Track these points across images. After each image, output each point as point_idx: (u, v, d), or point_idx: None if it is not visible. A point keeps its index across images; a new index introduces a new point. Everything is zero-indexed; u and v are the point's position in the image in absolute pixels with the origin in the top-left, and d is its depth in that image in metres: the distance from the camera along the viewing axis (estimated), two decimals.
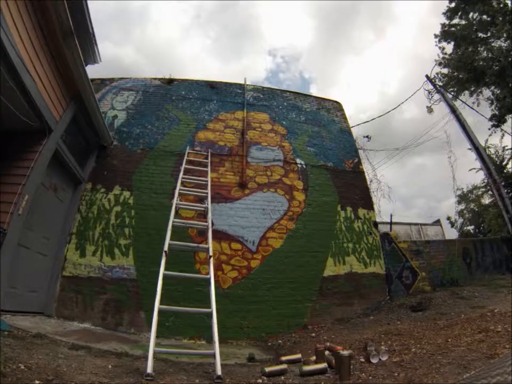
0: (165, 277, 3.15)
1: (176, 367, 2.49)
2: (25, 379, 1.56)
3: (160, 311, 2.74)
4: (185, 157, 5.21)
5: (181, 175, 4.73)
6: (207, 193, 4.62)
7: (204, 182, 4.87)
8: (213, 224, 4.18)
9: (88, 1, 4.44)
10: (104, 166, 5.17)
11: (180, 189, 4.47)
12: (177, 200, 4.20)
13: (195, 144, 5.65)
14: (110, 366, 2.19)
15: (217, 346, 2.42)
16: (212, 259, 3.38)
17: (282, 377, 2.20)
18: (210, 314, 2.79)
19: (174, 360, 2.75)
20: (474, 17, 9.24)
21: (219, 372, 2.18)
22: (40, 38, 3.23)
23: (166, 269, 4.37)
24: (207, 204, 4.39)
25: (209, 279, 3.12)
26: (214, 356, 2.36)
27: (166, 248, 3.31)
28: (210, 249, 3.53)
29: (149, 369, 2.06)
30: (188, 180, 4.87)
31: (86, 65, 4.89)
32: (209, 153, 5.53)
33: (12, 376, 1.54)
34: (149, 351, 2.23)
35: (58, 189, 4.25)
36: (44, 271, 4.02)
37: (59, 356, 2.20)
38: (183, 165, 4.99)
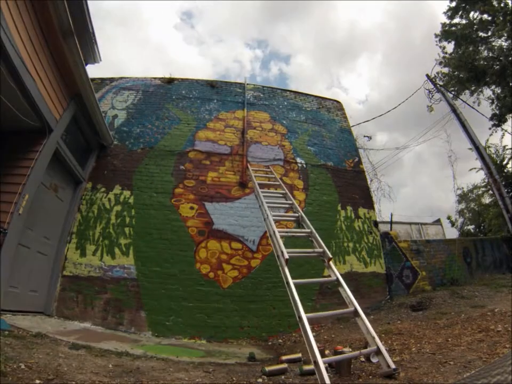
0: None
1: (177, 367, 2.49)
2: (25, 378, 1.56)
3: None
4: (254, 173, 5.03)
5: (260, 192, 4.37)
6: (292, 203, 4.38)
7: (284, 192, 4.68)
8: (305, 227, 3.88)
9: (88, 1, 4.44)
10: (104, 165, 5.17)
11: (267, 202, 4.09)
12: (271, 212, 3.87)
13: (195, 143, 5.65)
14: (110, 366, 2.19)
15: (378, 341, 2.22)
16: (331, 261, 3.27)
17: (283, 377, 2.20)
18: (355, 312, 2.64)
19: (175, 360, 2.75)
20: (475, 16, 9.23)
21: (393, 365, 2.02)
22: (40, 38, 3.23)
23: (167, 268, 4.40)
24: (300, 212, 4.10)
25: (337, 280, 3.04)
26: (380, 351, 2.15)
27: (286, 256, 3.07)
28: (328, 252, 3.33)
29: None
30: (267, 194, 4.53)
31: (86, 64, 4.89)
32: (271, 169, 5.48)
33: (12, 375, 1.55)
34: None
35: (59, 189, 4.25)
36: (44, 271, 4.03)
37: (59, 355, 2.20)
38: (255, 182, 4.66)
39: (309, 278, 4.80)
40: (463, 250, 6.55)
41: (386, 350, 2.60)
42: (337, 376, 2.11)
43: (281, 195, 4.71)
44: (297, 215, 4.15)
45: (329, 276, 3.25)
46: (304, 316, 2.37)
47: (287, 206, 4.52)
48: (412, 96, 10.23)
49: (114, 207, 4.82)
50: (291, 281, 2.81)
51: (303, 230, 3.94)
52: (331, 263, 3.21)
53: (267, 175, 5.36)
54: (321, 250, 3.40)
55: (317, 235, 3.60)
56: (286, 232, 3.96)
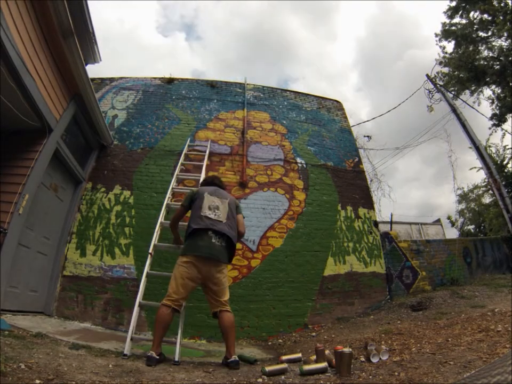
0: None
1: (177, 367, 2.49)
2: (25, 378, 1.56)
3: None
4: (184, 152, 5.24)
5: (176, 171, 4.75)
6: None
7: (197, 178, 4.73)
8: None
9: (88, 1, 4.44)
10: (104, 165, 5.17)
11: (173, 187, 4.45)
12: (168, 200, 4.16)
13: (195, 143, 5.65)
14: (110, 365, 2.19)
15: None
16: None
17: (283, 377, 2.20)
18: None
19: (175, 360, 2.75)
20: (475, 16, 9.24)
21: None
22: (40, 38, 3.23)
23: (167, 268, 4.40)
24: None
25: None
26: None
27: (150, 249, 3.43)
28: None
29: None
30: (183, 177, 4.92)
31: (86, 64, 4.90)
32: (208, 145, 5.51)
33: (12, 375, 1.54)
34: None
35: (59, 189, 4.25)
36: (44, 271, 4.03)
37: (59, 355, 2.20)
38: (180, 161, 5.02)
39: (309, 277, 4.83)
40: (463, 250, 6.55)
41: (386, 350, 2.61)
42: (337, 376, 2.10)
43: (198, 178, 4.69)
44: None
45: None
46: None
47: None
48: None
49: (114, 207, 4.82)
50: (145, 272, 3.24)
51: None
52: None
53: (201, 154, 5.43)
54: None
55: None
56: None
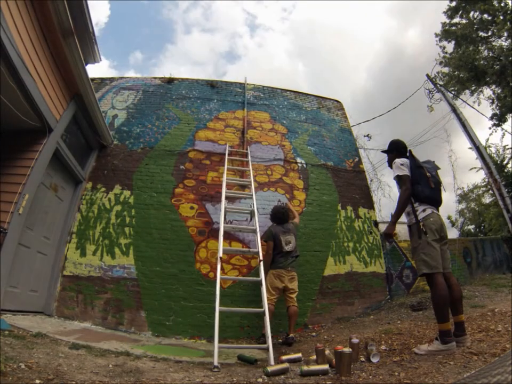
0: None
1: (177, 367, 2.49)
2: (25, 378, 1.56)
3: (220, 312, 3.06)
4: (226, 156, 5.33)
5: (224, 176, 4.86)
6: (251, 195, 4.75)
7: (247, 183, 5.02)
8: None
9: (88, 1, 4.44)
10: (104, 165, 5.17)
11: (226, 192, 4.62)
12: (225, 204, 4.47)
13: (195, 143, 5.65)
14: (110, 365, 2.19)
15: (270, 341, 2.79)
16: (262, 262, 3.70)
17: (283, 377, 2.20)
18: (263, 313, 3.15)
19: (175, 360, 2.75)
20: (475, 16, 9.24)
21: (272, 362, 2.58)
22: (40, 38, 3.23)
23: (167, 268, 4.43)
24: (253, 207, 4.53)
25: (260, 281, 3.46)
26: (267, 348, 2.76)
27: (220, 254, 3.59)
28: (260, 253, 3.82)
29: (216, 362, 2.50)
30: (230, 181, 5.05)
31: (86, 64, 4.90)
32: (248, 151, 5.62)
33: (12, 375, 1.54)
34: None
35: (59, 188, 4.25)
36: (44, 271, 4.03)
37: (59, 355, 2.20)
38: (225, 165, 5.09)
39: (309, 277, 4.83)
40: (463, 250, 6.55)
41: (386, 349, 2.61)
42: (337, 376, 2.10)
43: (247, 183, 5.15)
44: (251, 209, 4.66)
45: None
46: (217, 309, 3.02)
47: (248, 196, 4.98)
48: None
49: (114, 207, 4.82)
50: (218, 277, 3.33)
51: (249, 227, 4.59)
52: (261, 264, 3.68)
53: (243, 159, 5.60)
54: (256, 250, 3.93)
55: (258, 235, 4.10)
56: (233, 228, 4.56)
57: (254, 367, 2.60)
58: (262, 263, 3.69)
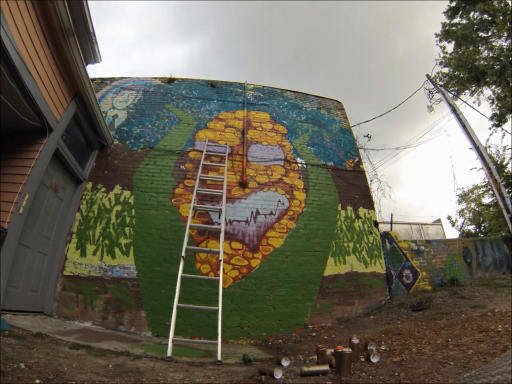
0: (182, 278, 3.56)
1: (177, 367, 2.49)
2: (25, 378, 1.56)
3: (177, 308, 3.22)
4: (204, 152, 5.35)
5: (199, 173, 4.91)
6: (222, 193, 4.76)
7: (220, 180, 5.00)
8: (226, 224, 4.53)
9: (88, 1, 4.43)
10: (104, 165, 5.17)
11: (197, 189, 4.66)
12: (194, 202, 4.47)
13: (195, 143, 5.65)
14: (110, 365, 2.19)
15: (219, 336, 3.01)
16: (221, 262, 3.72)
17: (283, 377, 2.20)
18: (217, 311, 3.27)
19: (175, 360, 2.75)
20: (475, 16, 9.24)
21: (219, 358, 2.75)
22: (41, 38, 3.23)
23: (167, 268, 4.44)
24: (222, 206, 4.54)
25: (218, 280, 3.56)
26: (217, 344, 2.91)
27: (183, 253, 3.67)
28: (221, 254, 3.81)
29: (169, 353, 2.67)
30: (205, 178, 5.08)
31: (87, 64, 4.89)
32: (227, 146, 5.63)
33: (12, 375, 1.55)
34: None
35: (59, 188, 4.25)
36: (45, 270, 4.03)
37: (59, 355, 2.20)
38: (201, 162, 5.15)
39: (309, 277, 4.83)
40: (463, 251, 6.54)
41: (386, 349, 2.60)
42: (337, 376, 2.10)
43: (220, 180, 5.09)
44: (219, 207, 4.71)
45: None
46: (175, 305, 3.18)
47: (219, 194, 4.92)
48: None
49: (114, 207, 4.82)
50: (179, 275, 3.47)
51: (215, 227, 4.58)
52: (221, 264, 3.73)
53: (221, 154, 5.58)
54: (217, 250, 3.94)
55: (222, 234, 4.09)
56: (199, 227, 4.54)
57: (254, 367, 2.60)
58: (221, 263, 3.71)
